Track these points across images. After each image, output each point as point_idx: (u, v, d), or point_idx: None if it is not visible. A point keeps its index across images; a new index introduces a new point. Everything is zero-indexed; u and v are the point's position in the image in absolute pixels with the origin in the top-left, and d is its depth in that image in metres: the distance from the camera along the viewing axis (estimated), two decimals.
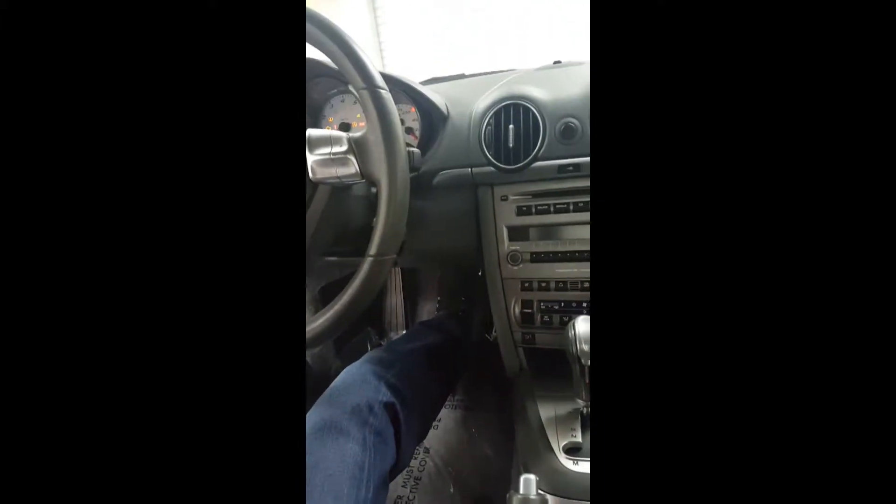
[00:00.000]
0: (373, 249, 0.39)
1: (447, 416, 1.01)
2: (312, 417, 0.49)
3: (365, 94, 0.38)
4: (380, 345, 1.12)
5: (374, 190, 0.40)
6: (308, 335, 0.41)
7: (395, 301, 1.21)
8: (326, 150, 0.39)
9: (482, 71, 0.75)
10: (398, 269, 1.17)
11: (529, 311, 0.57)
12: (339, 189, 0.43)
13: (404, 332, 1.14)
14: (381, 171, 0.38)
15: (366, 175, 0.39)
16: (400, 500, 0.86)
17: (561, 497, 0.39)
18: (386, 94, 0.38)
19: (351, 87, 0.39)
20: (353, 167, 0.39)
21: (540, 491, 0.38)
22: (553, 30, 1.90)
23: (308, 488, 0.41)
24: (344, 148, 0.39)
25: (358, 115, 0.64)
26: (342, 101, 0.64)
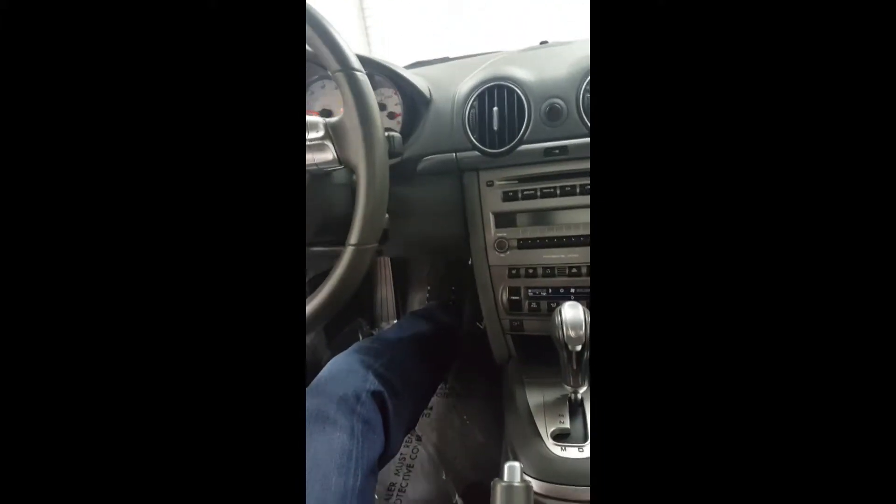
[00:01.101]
0: (353, 238, 0.38)
1: (439, 404, 1.01)
2: None
3: (340, 76, 0.36)
4: (371, 335, 1.12)
5: (355, 177, 0.39)
6: None
7: (386, 292, 1.20)
8: None
9: (467, 54, 0.74)
10: (387, 260, 1.16)
11: (517, 298, 0.56)
12: (319, 176, 0.42)
13: (395, 322, 1.14)
14: (358, 157, 0.37)
15: (343, 161, 0.38)
16: (393, 488, 0.87)
17: (548, 483, 0.39)
18: (362, 77, 0.37)
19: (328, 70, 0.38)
20: (330, 153, 0.38)
21: (526, 477, 0.38)
22: (551, 28, 1.90)
23: None
24: (320, 133, 0.38)
25: (339, 102, 0.62)
26: (322, 87, 0.63)
